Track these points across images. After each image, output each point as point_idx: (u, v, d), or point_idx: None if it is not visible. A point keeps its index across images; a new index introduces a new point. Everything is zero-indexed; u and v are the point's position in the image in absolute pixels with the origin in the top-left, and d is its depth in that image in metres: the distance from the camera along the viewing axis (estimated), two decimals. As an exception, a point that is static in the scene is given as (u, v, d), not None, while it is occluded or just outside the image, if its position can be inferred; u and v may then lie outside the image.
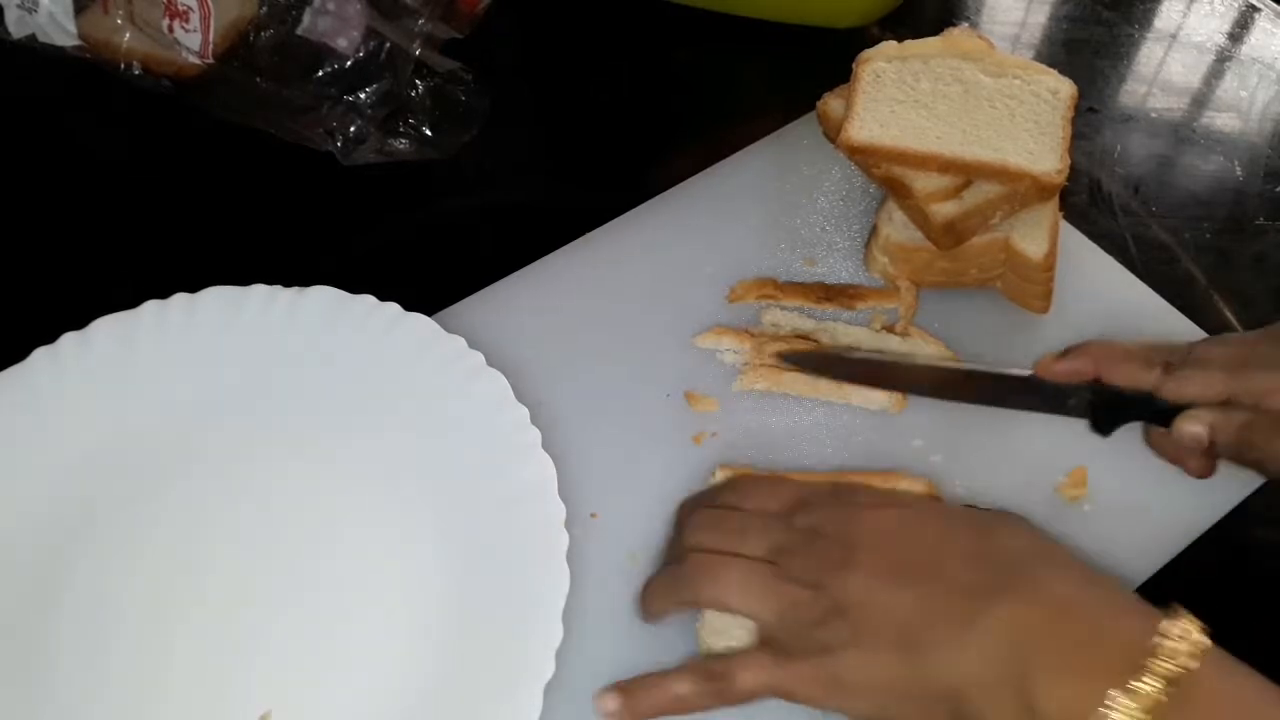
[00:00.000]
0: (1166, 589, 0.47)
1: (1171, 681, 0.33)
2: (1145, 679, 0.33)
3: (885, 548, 0.40)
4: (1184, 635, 0.34)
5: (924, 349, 0.54)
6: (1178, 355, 0.46)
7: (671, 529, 0.48)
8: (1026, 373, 0.49)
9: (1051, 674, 0.35)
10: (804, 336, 0.55)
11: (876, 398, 0.52)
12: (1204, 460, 0.47)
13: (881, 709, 0.39)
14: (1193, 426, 0.45)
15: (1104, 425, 0.48)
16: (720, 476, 0.50)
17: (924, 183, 0.53)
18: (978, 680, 0.36)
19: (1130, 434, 0.50)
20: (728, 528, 0.44)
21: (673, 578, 0.44)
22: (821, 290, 0.56)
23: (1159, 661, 0.34)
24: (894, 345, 0.54)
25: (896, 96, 0.54)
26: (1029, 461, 0.51)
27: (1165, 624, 0.35)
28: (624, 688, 0.42)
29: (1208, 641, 0.35)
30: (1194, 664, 0.34)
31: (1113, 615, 0.37)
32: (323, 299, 0.54)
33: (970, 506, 0.47)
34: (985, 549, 0.40)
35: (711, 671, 0.41)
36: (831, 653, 0.39)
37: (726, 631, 0.45)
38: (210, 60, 0.62)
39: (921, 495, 0.46)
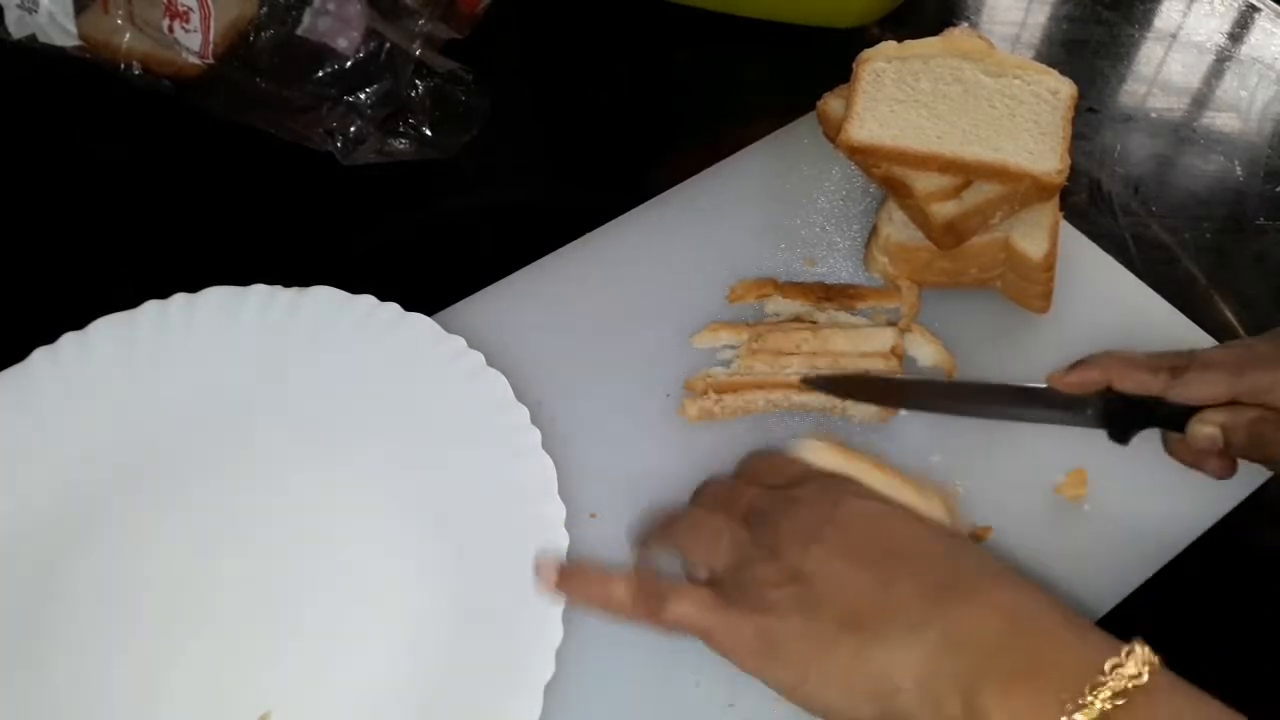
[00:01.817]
0: (1166, 589, 0.47)
1: (1122, 697, 0.34)
2: (1098, 695, 0.34)
3: (855, 531, 0.41)
4: (1139, 658, 0.35)
5: (923, 347, 0.54)
6: (1182, 360, 0.47)
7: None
8: (1041, 385, 0.50)
9: (1003, 684, 0.35)
10: (801, 319, 0.55)
11: (868, 412, 0.52)
12: (1222, 461, 0.48)
13: (801, 682, 0.38)
14: (1205, 428, 0.47)
15: (1120, 433, 0.49)
16: None
17: (924, 183, 0.53)
18: (918, 678, 0.36)
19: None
20: (722, 490, 0.46)
21: (664, 522, 0.46)
22: (821, 290, 0.56)
23: (1112, 680, 0.34)
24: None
25: (896, 96, 0.54)
26: (1029, 461, 0.51)
27: (1121, 646, 0.35)
28: (565, 568, 0.44)
29: (1158, 663, 0.35)
30: (1144, 681, 0.34)
31: (1069, 633, 0.37)
32: (323, 299, 0.54)
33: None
34: (951, 555, 0.40)
35: (649, 589, 0.42)
36: (773, 612, 0.39)
37: None
38: (210, 60, 0.62)
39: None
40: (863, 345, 0.53)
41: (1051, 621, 0.37)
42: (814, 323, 0.55)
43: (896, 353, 0.53)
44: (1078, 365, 0.49)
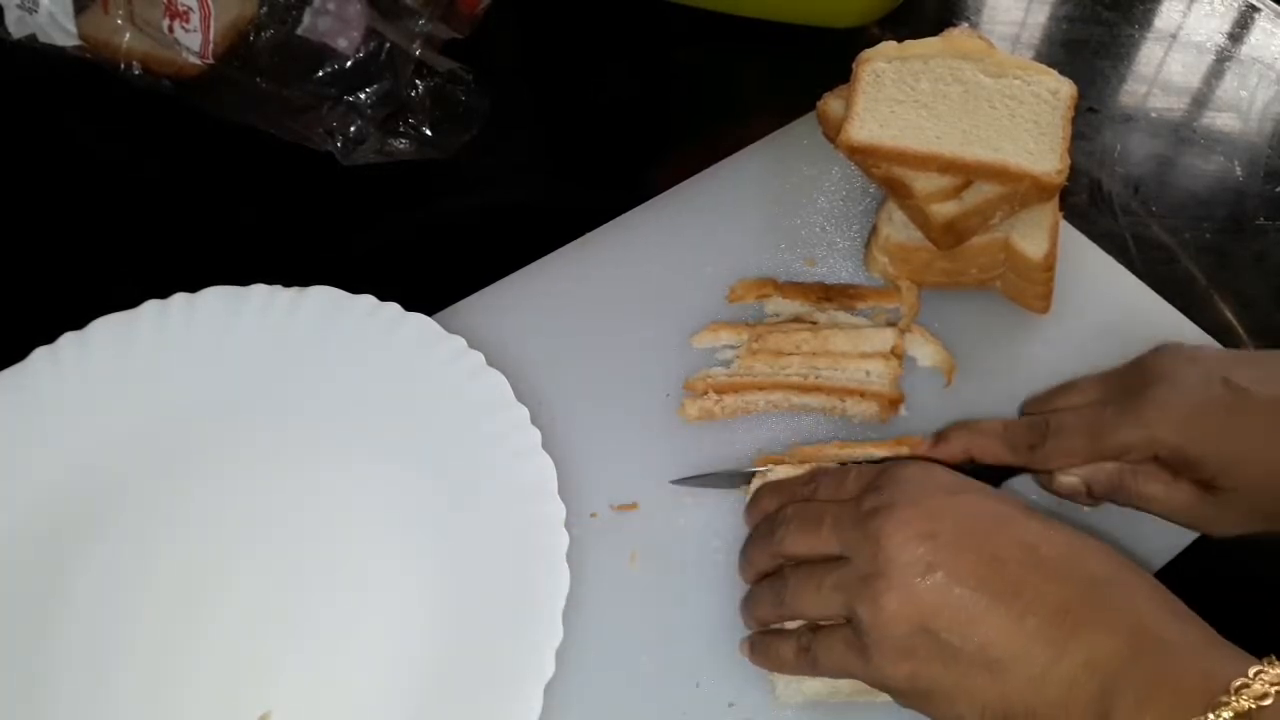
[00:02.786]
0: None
1: (1245, 719, 0.33)
2: (1224, 714, 0.33)
3: (968, 548, 0.39)
4: (1270, 677, 0.34)
5: (923, 347, 0.54)
6: (1038, 432, 0.48)
7: (750, 512, 0.48)
8: (905, 455, 0.50)
9: (1134, 706, 0.35)
10: (801, 319, 0.55)
11: (868, 411, 0.52)
12: (1090, 499, 0.49)
13: (955, 717, 0.39)
14: (1068, 479, 0.48)
15: (990, 481, 0.49)
16: (751, 487, 0.49)
17: (924, 183, 0.53)
18: (1058, 704, 0.36)
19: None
20: (805, 517, 0.44)
21: (774, 593, 0.44)
22: (821, 290, 0.56)
23: (1239, 699, 0.33)
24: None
25: (896, 96, 0.54)
26: (1029, 461, 0.51)
27: (1250, 663, 0.35)
28: (752, 642, 0.46)
29: None
30: (1269, 704, 0.33)
31: (1194, 647, 0.37)
32: (323, 299, 0.54)
33: None
34: (1071, 564, 0.39)
35: (803, 647, 0.43)
36: (912, 658, 0.39)
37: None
38: (210, 60, 0.62)
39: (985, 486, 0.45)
40: (863, 345, 0.53)
41: (1176, 634, 0.37)
42: (814, 323, 0.55)
43: (896, 353, 0.53)
44: (937, 441, 0.49)
